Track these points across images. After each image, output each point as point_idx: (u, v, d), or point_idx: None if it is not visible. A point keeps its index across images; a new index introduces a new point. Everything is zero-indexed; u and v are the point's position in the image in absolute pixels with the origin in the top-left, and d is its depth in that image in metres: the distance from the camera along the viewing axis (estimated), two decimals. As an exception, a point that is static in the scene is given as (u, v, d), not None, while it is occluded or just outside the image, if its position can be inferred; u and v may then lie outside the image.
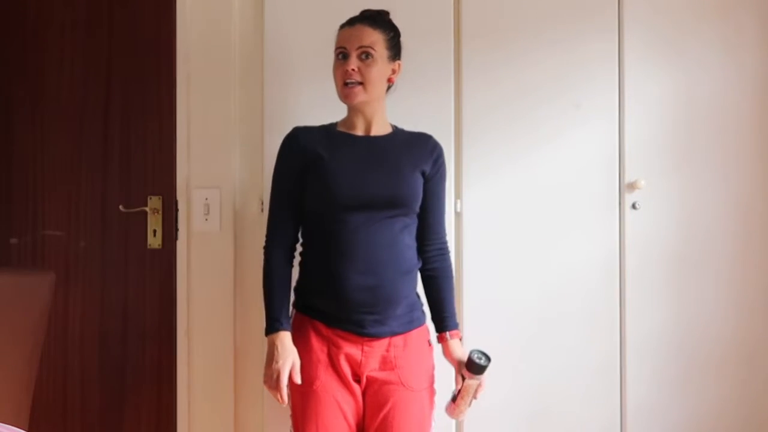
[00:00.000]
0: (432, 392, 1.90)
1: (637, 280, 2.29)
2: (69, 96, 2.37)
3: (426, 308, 1.95)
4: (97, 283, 2.35)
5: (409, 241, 1.88)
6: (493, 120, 2.29)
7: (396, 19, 1.96)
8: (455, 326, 1.94)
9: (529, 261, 2.29)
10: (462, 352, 1.90)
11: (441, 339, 1.93)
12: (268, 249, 1.89)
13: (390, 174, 1.84)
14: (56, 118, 2.38)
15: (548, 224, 2.30)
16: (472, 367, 1.83)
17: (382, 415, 1.78)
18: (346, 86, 1.84)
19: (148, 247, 2.33)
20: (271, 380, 1.76)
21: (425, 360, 1.89)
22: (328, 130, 1.92)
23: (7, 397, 1.92)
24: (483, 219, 2.28)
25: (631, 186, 2.29)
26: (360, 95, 1.83)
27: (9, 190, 2.39)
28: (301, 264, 1.91)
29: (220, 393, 2.26)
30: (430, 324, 1.95)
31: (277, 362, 1.75)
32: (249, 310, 2.27)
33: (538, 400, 2.29)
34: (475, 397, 1.87)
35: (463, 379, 1.87)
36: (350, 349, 1.79)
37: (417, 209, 1.88)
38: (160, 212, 2.32)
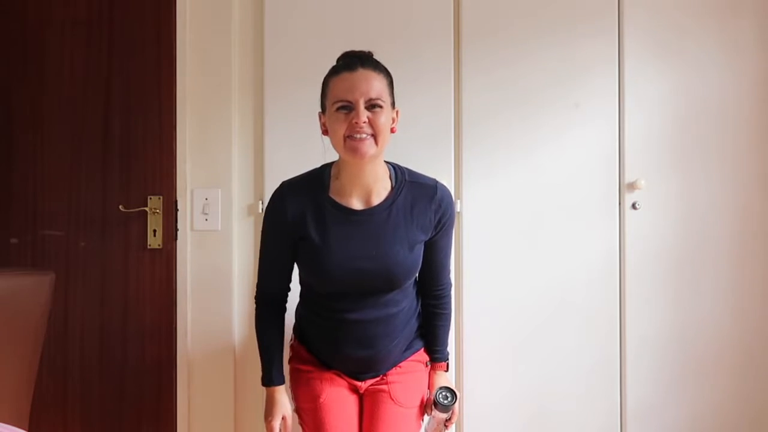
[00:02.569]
0: (422, 413, 1.87)
1: (637, 280, 2.29)
2: (69, 96, 2.37)
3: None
4: (97, 283, 2.35)
5: (405, 300, 1.81)
6: (493, 120, 2.29)
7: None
8: (443, 359, 1.91)
9: (528, 261, 2.29)
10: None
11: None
12: (257, 306, 1.85)
13: (386, 259, 1.70)
14: (56, 118, 2.37)
15: (548, 224, 2.30)
16: (437, 405, 1.82)
17: (371, 423, 1.78)
18: (352, 140, 1.64)
19: (148, 247, 2.33)
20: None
21: (418, 380, 1.87)
22: (319, 197, 1.73)
23: (7, 397, 1.92)
24: (483, 219, 2.28)
25: (631, 186, 2.29)
26: (371, 148, 1.65)
27: (9, 190, 2.39)
28: (300, 302, 1.90)
29: (220, 393, 2.27)
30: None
31: (266, 417, 1.80)
32: (249, 310, 2.28)
33: (537, 399, 2.29)
34: (445, 426, 1.87)
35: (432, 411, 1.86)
36: (348, 379, 1.83)
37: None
38: (160, 212, 2.32)
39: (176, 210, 2.30)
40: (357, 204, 1.72)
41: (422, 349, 1.90)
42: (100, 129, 2.36)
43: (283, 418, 1.80)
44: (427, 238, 1.76)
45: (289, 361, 1.90)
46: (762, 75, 2.34)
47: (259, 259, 1.83)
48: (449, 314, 1.91)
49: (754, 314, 2.33)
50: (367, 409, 1.80)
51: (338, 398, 1.78)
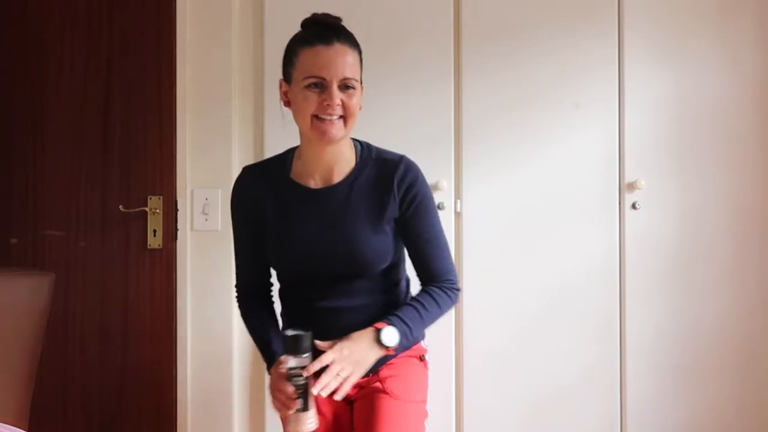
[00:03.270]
0: (422, 409, 1.67)
1: (637, 280, 2.29)
2: (69, 96, 2.37)
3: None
4: (97, 283, 2.35)
5: (384, 292, 1.63)
6: (493, 120, 2.29)
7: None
8: (386, 321, 1.53)
9: (528, 261, 2.29)
10: (351, 336, 1.50)
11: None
12: (238, 302, 1.73)
13: (347, 241, 1.55)
14: (56, 118, 2.37)
15: (548, 224, 2.30)
16: (287, 344, 1.41)
17: (367, 422, 1.56)
18: (320, 121, 1.51)
19: (148, 247, 2.33)
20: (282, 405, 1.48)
21: (414, 374, 1.68)
22: (279, 177, 1.62)
23: (7, 397, 1.92)
24: (483, 219, 2.28)
25: (631, 186, 2.29)
26: (340, 131, 1.52)
27: (9, 190, 2.39)
28: (279, 296, 1.73)
29: (220, 393, 2.26)
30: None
31: (277, 392, 1.49)
32: (249, 310, 2.28)
33: (537, 399, 2.29)
34: (310, 393, 1.42)
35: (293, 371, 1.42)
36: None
37: (390, 262, 1.61)
38: (160, 212, 2.32)
39: (176, 210, 2.30)
40: (317, 183, 1.59)
41: (416, 344, 1.70)
42: (100, 129, 2.36)
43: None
44: (396, 218, 1.58)
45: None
46: (762, 75, 2.34)
47: (234, 256, 1.70)
48: (431, 298, 1.58)
49: (754, 314, 2.33)
50: (362, 413, 1.60)
51: (326, 408, 1.61)
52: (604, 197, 2.30)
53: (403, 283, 1.73)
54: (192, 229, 2.30)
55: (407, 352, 1.66)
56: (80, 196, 2.37)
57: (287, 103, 1.58)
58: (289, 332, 1.42)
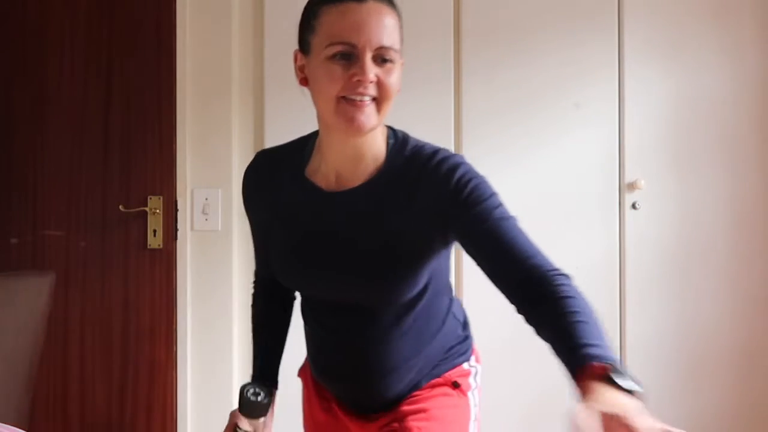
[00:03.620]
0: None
1: (637, 280, 2.29)
2: (69, 96, 2.37)
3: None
4: (97, 283, 2.35)
5: (418, 318, 1.25)
6: (493, 120, 2.29)
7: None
8: (598, 358, 0.98)
9: (529, 261, 2.29)
10: (609, 399, 0.89)
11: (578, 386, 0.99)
12: (253, 289, 1.52)
13: (356, 262, 1.19)
14: (56, 118, 2.37)
15: (548, 224, 2.29)
16: (243, 403, 1.34)
17: None
18: (348, 103, 1.11)
19: (148, 247, 2.33)
20: None
21: (446, 407, 1.30)
22: (293, 170, 1.27)
23: (7, 397, 1.92)
24: (483, 219, 2.28)
25: (631, 186, 2.29)
26: (372, 118, 1.13)
27: (9, 190, 2.39)
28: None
29: (220, 393, 2.26)
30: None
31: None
32: (248, 310, 2.28)
33: (537, 400, 2.29)
34: None
35: None
36: (351, 424, 1.33)
37: (424, 288, 1.23)
38: (160, 212, 2.31)
39: (176, 210, 2.30)
40: (331, 184, 1.22)
41: (457, 366, 1.34)
42: (100, 129, 2.36)
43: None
44: (444, 227, 1.16)
45: (299, 372, 1.50)
46: (762, 76, 2.34)
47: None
48: (575, 299, 1.12)
49: (754, 314, 2.33)
50: None
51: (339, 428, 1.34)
52: (604, 197, 2.30)
53: (447, 306, 1.35)
54: (192, 229, 2.30)
55: (436, 379, 1.30)
56: (80, 196, 2.36)
57: (304, 81, 1.21)
58: (249, 391, 1.33)
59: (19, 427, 1.58)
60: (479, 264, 1.16)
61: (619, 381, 0.93)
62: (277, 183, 1.29)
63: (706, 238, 2.32)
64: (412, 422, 1.23)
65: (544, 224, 2.30)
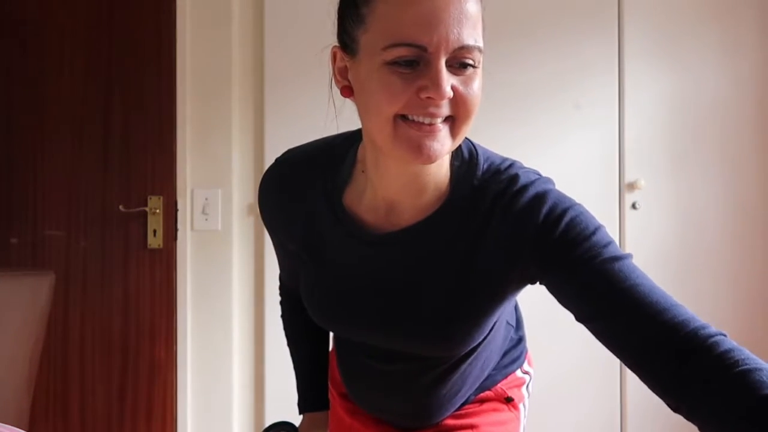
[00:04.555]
0: None
1: (637, 280, 2.29)
2: (69, 96, 2.37)
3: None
4: (97, 283, 2.35)
5: (477, 358, 1.06)
6: (493, 120, 2.29)
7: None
8: None
9: (529, 261, 2.29)
10: None
11: None
12: (280, 303, 1.29)
13: (415, 321, 0.96)
14: (56, 118, 2.37)
15: (548, 224, 2.30)
16: None
17: None
18: (412, 125, 0.83)
19: (148, 247, 2.33)
20: None
21: (496, 423, 1.14)
22: (328, 193, 0.99)
23: (7, 397, 1.92)
24: (483, 219, 2.28)
25: (631, 186, 2.29)
26: (446, 146, 0.86)
27: (9, 190, 2.39)
28: None
29: (220, 393, 2.26)
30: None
31: None
32: (249, 310, 2.28)
33: (537, 400, 2.28)
34: None
35: None
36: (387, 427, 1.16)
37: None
38: (160, 212, 2.31)
39: (176, 210, 2.30)
40: (380, 220, 0.96)
41: (510, 375, 1.18)
42: (100, 129, 2.36)
43: None
44: (512, 275, 0.94)
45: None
46: (762, 75, 2.34)
47: None
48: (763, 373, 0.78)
49: (754, 313, 2.33)
50: None
51: None
52: (604, 197, 2.30)
53: (504, 335, 1.15)
54: (192, 229, 2.30)
55: (486, 392, 1.15)
56: (80, 196, 2.36)
57: (346, 91, 0.92)
58: None
59: (19, 427, 1.59)
60: (582, 319, 0.94)
61: None
62: (309, 209, 1.00)
63: (706, 237, 2.32)
64: (451, 424, 1.09)
65: (544, 224, 2.30)
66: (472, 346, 0.99)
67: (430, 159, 0.84)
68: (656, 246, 2.30)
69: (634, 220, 2.29)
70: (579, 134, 2.30)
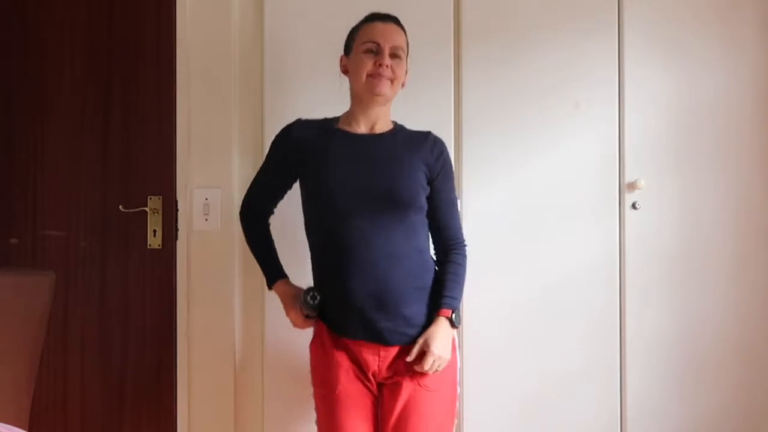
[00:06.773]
0: (453, 394, 1.85)
1: (637, 280, 2.29)
2: (69, 96, 2.37)
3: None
4: (97, 283, 2.35)
5: (419, 244, 1.85)
6: (493, 120, 2.29)
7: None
8: (446, 306, 1.81)
9: (529, 261, 2.29)
10: (433, 330, 1.78)
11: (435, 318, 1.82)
12: (242, 219, 2.02)
13: (388, 169, 1.81)
14: (56, 118, 2.37)
15: (548, 224, 2.30)
16: (305, 307, 1.84)
17: (397, 413, 1.76)
18: (374, 77, 1.81)
19: (148, 247, 2.33)
20: (295, 324, 1.91)
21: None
22: (328, 127, 1.90)
23: (7, 397, 1.92)
24: (483, 218, 2.28)
25: (631, 186, 2.29)
26: (387, 89, 1.82)
27: (9, 190, 2.39)
28: (311, 258, 1.91)
29: (220, 393, 2.26)
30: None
31: (287, 314, 1.90)
32: (249, 310, 2.28)
33: (537, 400, 2.29)
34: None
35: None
36: (366, 355, 1.80)
37: (423, 206, 1.84)
38: (160, 212, 2.31)
39: (176, 210, 2.30)
40: (363, 131, 1.88)
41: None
42: (100, 129, 2.36)
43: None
44: (431, 167, 1.85)
45: (311, 343, 1.91)
46: (763, 75, 2.34)
47: (251, 182, 2.00)
48: (460, 266, 1.87)
49: (755, 314, 2.33)
50: (389, 397, 1.78)
51: (355, 393, 1.79)
52: (604, 197, 2.30)
53: (429, 253, 1.92)
54: (192, 229, 2.29)
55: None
56: (80, 196, 2.37)
57: (345, 71, 1.90)
58: (310, 298, 1.83)
59: (19, 427, 1.59)
60: (429, 210, 1.87)
61: (453, 319, 1.81)
62: (313, 134, 1.89)
63: (707, 237, 2.32)
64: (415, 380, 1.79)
65: (545, 224, 2.30)
66: (415, 201, 1.81)
67: (380, 93, 1.82)
68: (656, 246, 2.30)
69: (634, 220, 2.29)
70: (579, 134, 2.30)
